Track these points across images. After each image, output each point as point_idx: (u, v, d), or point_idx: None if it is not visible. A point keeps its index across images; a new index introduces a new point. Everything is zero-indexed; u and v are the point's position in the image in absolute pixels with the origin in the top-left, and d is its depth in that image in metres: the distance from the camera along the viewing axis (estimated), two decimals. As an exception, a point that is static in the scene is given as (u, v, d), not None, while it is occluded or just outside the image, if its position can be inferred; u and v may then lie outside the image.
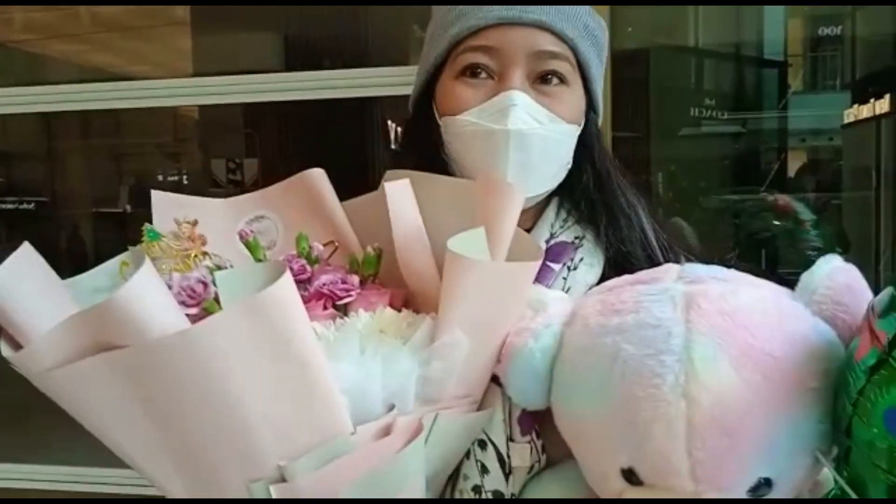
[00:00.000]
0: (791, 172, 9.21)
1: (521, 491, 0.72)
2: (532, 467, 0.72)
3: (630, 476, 0.57)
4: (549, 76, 0.78)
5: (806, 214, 4.68)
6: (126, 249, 0.75)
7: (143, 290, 0.51)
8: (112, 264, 0.74)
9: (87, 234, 6.81)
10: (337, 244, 0.75)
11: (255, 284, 0.54)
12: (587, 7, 0.82)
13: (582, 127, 0.82)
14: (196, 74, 4.92)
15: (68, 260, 5.76)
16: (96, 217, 6.89)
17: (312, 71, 2.19)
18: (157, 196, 0.77)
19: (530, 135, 0.75)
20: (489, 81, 0.77)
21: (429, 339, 0.63)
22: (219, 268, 0.70)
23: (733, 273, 0.62)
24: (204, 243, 0.74)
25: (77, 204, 7.04)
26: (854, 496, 0.52)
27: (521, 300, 0.67)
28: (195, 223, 0.74)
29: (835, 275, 0.59)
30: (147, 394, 0.54)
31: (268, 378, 0.54)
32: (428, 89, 0.83)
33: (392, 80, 1.94)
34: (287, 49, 4.94)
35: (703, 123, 7.96)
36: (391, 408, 0.61)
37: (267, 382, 0.54)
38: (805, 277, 0.60)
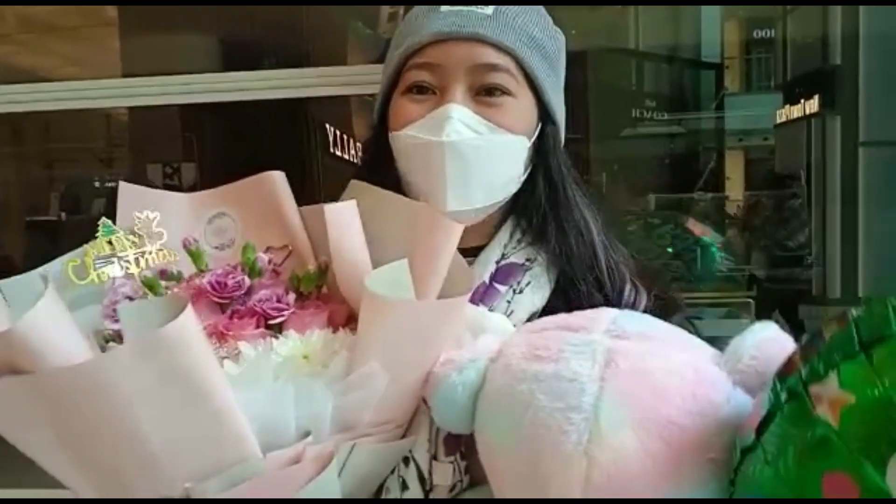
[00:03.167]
0: (728, 171, 9.51)
1: None
2: (454, 487, 0.72)
3: None
4: (492, 89, 0.79)
5: (716, 238, 4.99)
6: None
7: (44, 319, 0.52)
8: (57, 264, 0.74)
9: (17, 243, 6.54)
10: (291, 248, 0.76)
11: (158, 319, 0.54)
12: (539, 17, 0.82)
13: (536, 138, 0.82)
14: (126, 76, 4.77)
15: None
16: (28, 226, 6.63)
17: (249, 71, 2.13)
18: (123, 187, 0.78)
19: (466, 145, 0.76)
20: (433, 97, 0.80)
21: (345, 370, 0.63)
22: (170, 276, 0.71)
23: (665, 330, 0.62)
24: (161, 238, 0.75)
25: (7, 212, 6.76)
26: None
27: (448, 333, 0.68)
28: (154, 219, 0.75)
29: (763, 346, 0.57)
30: (54, 417, 0.54)
31: (169, 408, 0.54)
32: (385, 106, 0.85)
33: (331, 80, 1.90)
34: (223, 51, 4.83)
35: (644, 124, 8.14)
36: (306, 434, 0.61)
37: (168, 412, 0.54)
38: (734, 343, 0.59)
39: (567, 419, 0.55)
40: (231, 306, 0.70)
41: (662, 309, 0.74)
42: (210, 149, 5.35)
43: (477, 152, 0.77)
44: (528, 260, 0.82)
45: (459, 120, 0.76)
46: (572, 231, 0.82)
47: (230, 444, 0.57)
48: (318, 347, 0.66)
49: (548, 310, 0.78)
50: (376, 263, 0.70)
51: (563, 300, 0.78)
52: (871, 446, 0.41)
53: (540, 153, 0.83)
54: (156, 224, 0.75)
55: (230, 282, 0.69)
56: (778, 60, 8.64)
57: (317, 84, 1.94)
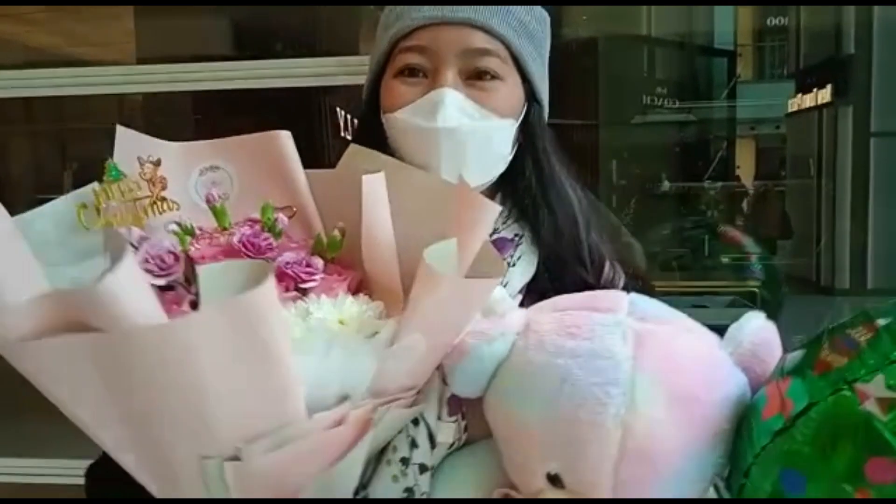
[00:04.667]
0: (739, 160, 9.43)
1: (438, 465, 0.75)
2: (452, 444, 0.75)
3: (554, 480, 0.63)
4: (482, 73, 0.80)
5: (751, 248, 4.85)
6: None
7: (127, 281, 0.51)
8: (61, 206, 0.72)
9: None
10: (294, 210, 0.74)
11: (238, 283, 0.55)
12: None
13: (522, 119, 0.84)
14: (140, 58, 4.79)
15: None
16: (41, 203, 6.68)
17: (262, 60, 2.15)
18: (121, 131, 0.76)
19: (459, 130, 0.79)
20: (424, 80, 0.80)
21: (391, 340, 0.65)
22: (184, 230, 0.68)
23: (673, 314, 0.69)
24: (164, 187, 0.72)
25: (20, 190, 6.82)
26: None
27: (477, 309, 0.71)
28: (158, 163, 0.72)
29: (760, 332, 0.66)
30: (111, 376, 0.54)
31: (236, 373, 0.55)
32: (375, 87, 0.86)
33: (341, 70, 1.92)
34: (236, 34, 4.84)
35: (655, 111, 8.09)
36: (343, 398, 0.63)
37: (234, 377, 0.55)
38: (733, 331, 0.67)
39: (606, 393, 0.60)
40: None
41: (637, 291, 0.77)
42: (221, 130, 5.35)
43: (469, 137, 0.79)
44: (516, 235, 0.85)
45: (452, 105, 0.78)
46: (559, 209, 0.84)
47: (283, 407, 0.59)
48: (353, 313, 0.67)
49: (534, 284, 0.80)
50: (398, 235, 0.71)
51: (548, 276, 0.81)
52: None
53: (526, 133, 0.84)
54: (159, 172, 0.73)
55: (263, 243, 0.68)
56: (791, 48, 8.55)
57: (327, 73, 1.96)
